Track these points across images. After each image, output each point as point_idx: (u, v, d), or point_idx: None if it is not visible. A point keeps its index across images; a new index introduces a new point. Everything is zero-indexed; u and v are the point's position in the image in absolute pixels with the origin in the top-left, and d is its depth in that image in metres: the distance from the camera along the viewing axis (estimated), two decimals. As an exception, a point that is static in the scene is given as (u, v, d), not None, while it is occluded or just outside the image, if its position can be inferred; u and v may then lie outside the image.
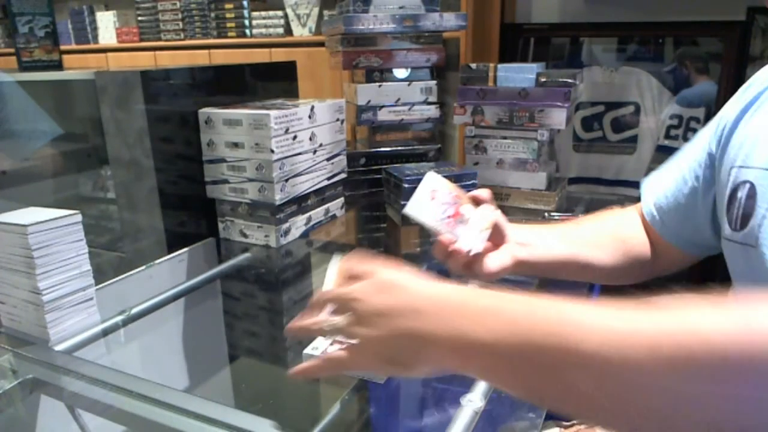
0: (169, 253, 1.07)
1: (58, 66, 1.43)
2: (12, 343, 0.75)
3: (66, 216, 0.75)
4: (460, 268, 0.67)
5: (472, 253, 0.65)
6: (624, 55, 2.39)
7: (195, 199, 1.15)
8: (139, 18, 3.18)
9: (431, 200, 0.66)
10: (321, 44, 2.43)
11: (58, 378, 0.68)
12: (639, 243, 0.75)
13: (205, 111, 1.10)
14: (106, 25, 3.36)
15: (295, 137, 1.09)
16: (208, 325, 1.07)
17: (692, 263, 0.74)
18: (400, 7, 1.34)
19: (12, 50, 1.39)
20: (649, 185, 0.77)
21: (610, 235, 0.75)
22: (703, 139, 0.68)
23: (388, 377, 0.66)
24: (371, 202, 1.37)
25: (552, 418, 0.87)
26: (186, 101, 1.12)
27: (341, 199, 1.29)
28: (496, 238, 0.69)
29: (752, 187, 0.55)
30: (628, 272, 0.76)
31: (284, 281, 1.09)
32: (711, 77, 2.24)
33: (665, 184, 0.73)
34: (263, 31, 2.89)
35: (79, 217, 0.76)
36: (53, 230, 0.73)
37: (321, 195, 1.21)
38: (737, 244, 0.57)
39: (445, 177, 0.68)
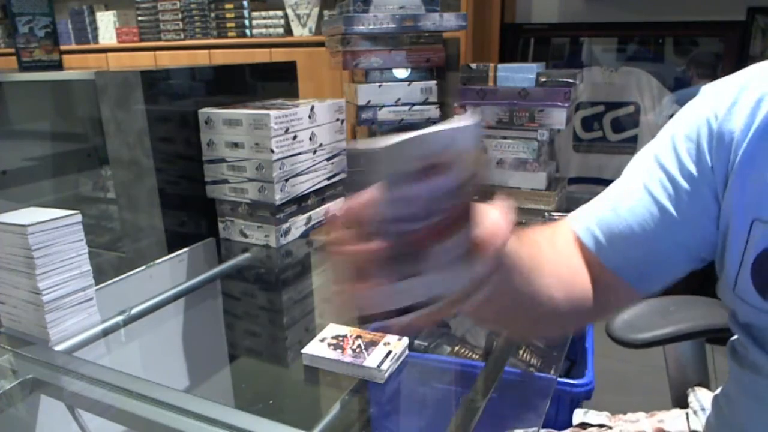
0: (169, 253, 1.07)
1: (58, 66, 1.43)
2: (12, 343, 0.75)
3: (66, 216, 0.75)
4: None
5: None
6: (624, 55, 2.39)
7: (195, 199, 1.15)
8: (139, 18, 3.18)
9: None
10: (321, 44, 2.43)
11: (58, 378, 0.68)
12: (583, 277, 0.57)
13: (205, 111, 1.10)
14: (106, 25, 3.36)
15: (295, 137, 1.09)
16: (208, 325, 1.07)
17: (630, 304, 0.61)
18: (400, 7, 1.34)
19: (12, 50, 1.39)
20: (583, 208, 0.60)
21: (564, 268, 0.55)
22: (669, 158, 0.54)
23: (388, 378, 0.66)
24: (371, 202, 1.37)
25: (548, 426, 0.87)
26: (186, 101, 1.12)
27: (341, 199, 1.29)
28: None
29: None
30: (567, 320, 0.57)
31: (284, 281, 1.09)
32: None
33: (612, 204, 0.56)
34: (263, 31, 2.89)
35: (79, 217, 0.76)
36: (53, 230, 0.73)
37: (321, 195, 1.21)
38: None
39: None
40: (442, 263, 0.33)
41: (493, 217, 0.36)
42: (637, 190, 0.55)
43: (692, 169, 0.52)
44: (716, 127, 0.51)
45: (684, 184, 0.52)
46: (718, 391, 0.65)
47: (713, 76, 2.22)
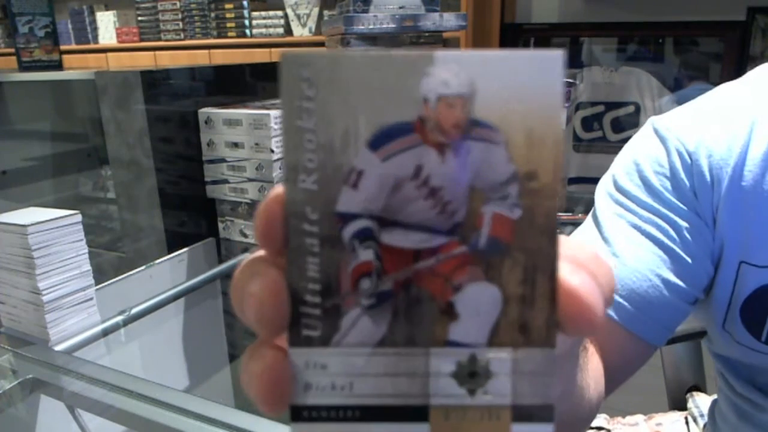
0: (169, 253, 1.07)
1: (58, 66, 1.43)
2: (12, 343, 0.75)
3: (66, 216, 0.75)
4: None
5: None
6: (624, 55, 2.40)
7: (195, 199, 1.15)
8: (139, 18, 3.18)
9: None
10: (321, 44, 2.43)
11: (58, 378, 0.68)
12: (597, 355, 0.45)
13: (205, 111, 1.10)
14: (106, 25, 3.36)
15: (295, 137, 1.09)
16: (208, 325, 1.07)
17: (644, 363, 0.51)
18: (400, 7, 1.34)
19: (12, 50, 1.39)
20: None
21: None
22: (651, 198, 0.49)
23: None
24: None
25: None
26: (186, 101, 1.12)
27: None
28: None
29: None
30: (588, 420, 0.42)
31: (284, 281, 1.09)
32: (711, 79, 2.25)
33: (619, 251, 0.48)
34: (263, 31, 2.89)
35: (79, 217, 0.76)
36: (53, 230, 0.73)
37: (321, 195, 1.21)
38: None
39: None
40: (478, 328, 0.17)
41: (593, 265, 0.18)
42: (637, 239, 0.48)
43: (681, 204, 0.47)
44: (691, 161, 0.47)
45: (683, 222, 0.47)
46: (715, 396, 0.65)
47: (710, 77, 2.23)
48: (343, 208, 0.17)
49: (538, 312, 0.17)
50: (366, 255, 0.17)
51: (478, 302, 0.17)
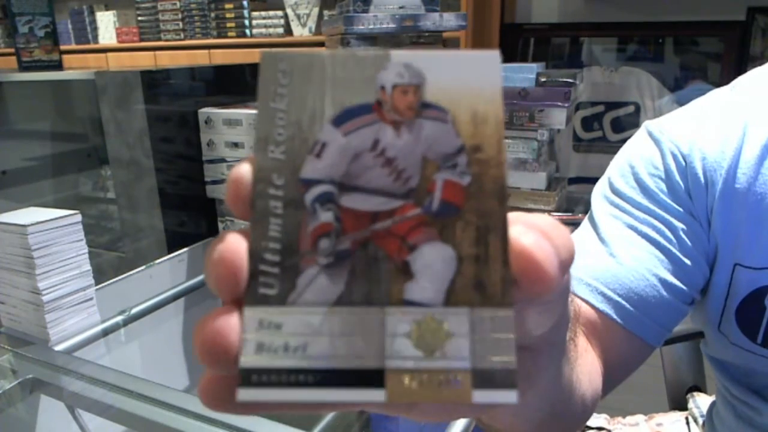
0: (169, 253, 1.07)
1: (58, 66, 1.43)
2: (12, 343, 0.75)
3: (66, 216, 0.75)
4: None
5: None
6: (624, 55, 2.39)
7: (195, 199, 1.15)
8: (139, 18, 3.18)
9: None
10: (321, 44, 2.43)
11: (58, 378, 0.68)
12: (593, 353, 0.46)
13: (205, 111, 1.10)
14: (106, 25, 3.36)
15: (295, 137, 1.09)
16: (208, 325, 1.07)
17: (642, 362, 0.50)
18: (400, 7, 1.34)
19: (12, 50, 1.39)
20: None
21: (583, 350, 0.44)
22: (647, 200, 0.49)
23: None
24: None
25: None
26: (186, 101, 1.12)
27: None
28: None
29: None
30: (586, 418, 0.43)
31: (284, 281, 1.09)
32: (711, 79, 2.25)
33: (609, 256, 0.48)
34: (263, 31, 2.89)
35: (79, 217, 0.76)
36: (53, 230, 0.73)
37: (321, 195, 1.21)
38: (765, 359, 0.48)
39: None
40: (433, 287, 0.18)
41: (547, 228, 0.18)
42: (633, 240, 0.47)
43: (676, 206, 0.48)
44: (685, 163, 0.48)
45: (678, 223, 0.47)
46: (713, 398, 0.65)
47: (710, 77, 2.23)
48: (306, 174, 0.18)
49: (493, 271, 0.17)
50: (326, 216, 0.18)
51: (432, 261, 0.18)
